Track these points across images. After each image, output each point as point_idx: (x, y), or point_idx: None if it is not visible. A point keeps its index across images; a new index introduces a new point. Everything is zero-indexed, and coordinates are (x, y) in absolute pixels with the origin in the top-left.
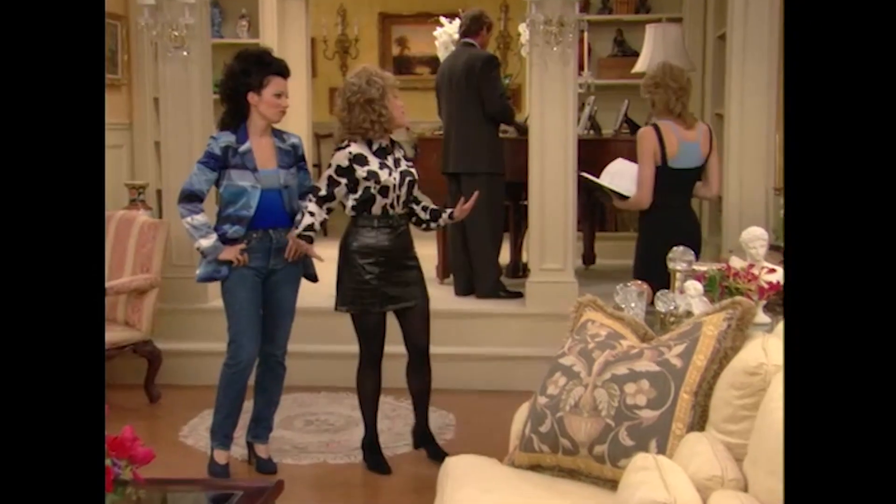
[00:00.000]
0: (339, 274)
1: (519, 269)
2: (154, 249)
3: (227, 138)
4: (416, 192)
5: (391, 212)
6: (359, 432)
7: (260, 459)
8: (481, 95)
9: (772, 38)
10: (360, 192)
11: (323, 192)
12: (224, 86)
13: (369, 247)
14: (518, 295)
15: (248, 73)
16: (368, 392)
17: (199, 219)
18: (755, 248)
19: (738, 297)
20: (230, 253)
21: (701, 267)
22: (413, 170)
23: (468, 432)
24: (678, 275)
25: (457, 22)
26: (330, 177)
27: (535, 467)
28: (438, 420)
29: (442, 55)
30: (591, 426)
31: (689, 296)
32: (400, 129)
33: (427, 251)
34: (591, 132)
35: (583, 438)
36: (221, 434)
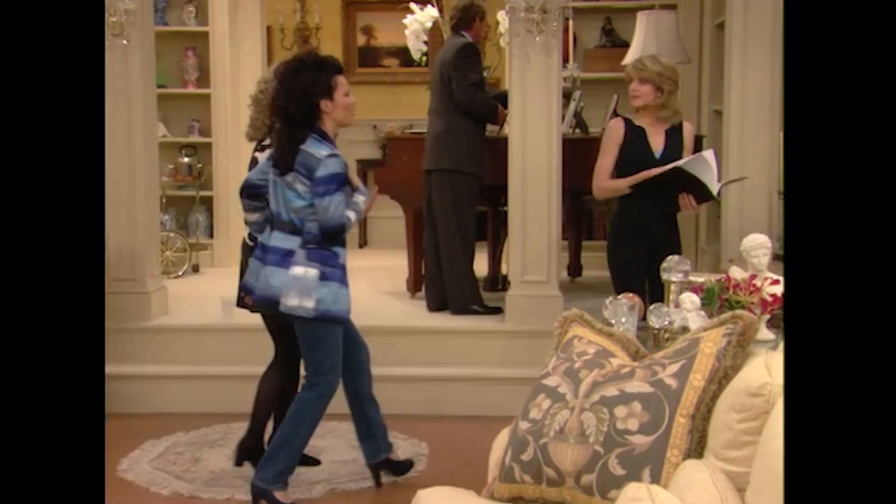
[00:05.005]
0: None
1: (498, 281)
2: None
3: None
4: None
5: None
6: (326, 461)
7: (401, 464)
8: (451, 85)
9: (775, 26)
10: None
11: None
12: (295, 103)
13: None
14: (497, 310)
15: (315, 80)
16: (277, 395)
17: (351, 214)
18: (757, 257)
19: (738, 311)
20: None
21: (698, 278)
22: None
23: (442, 462)
24: (673, 287)
25: (429, 9)
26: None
27: (517, 499)
28: (409, 449)
29: (412, 46)
30: (577, 454)
31: (685, 310)
32: (366, 128)
33: (397, 262)
34: (577, 130)
35: (569, 467)
36: (289, 472)
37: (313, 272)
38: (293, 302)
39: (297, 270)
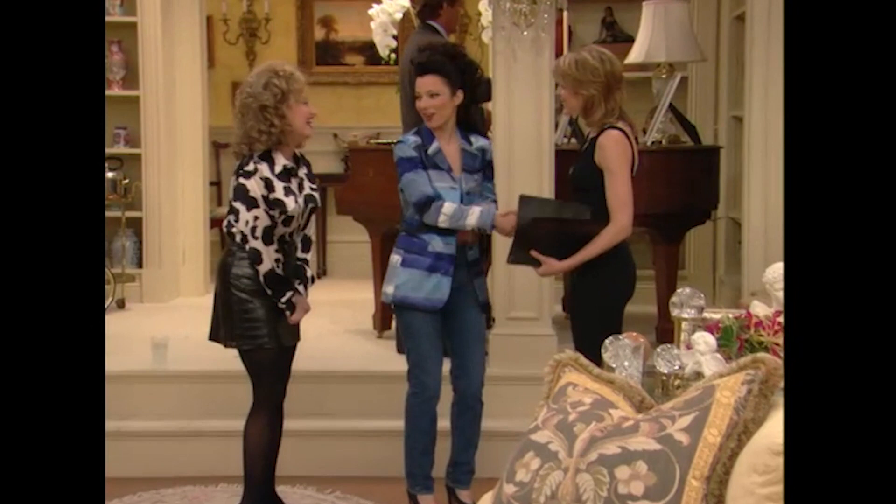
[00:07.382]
0: (223, 305)
1: None
2: None
3: (413, 139)
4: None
5: (287, 239)
6: None
7: None
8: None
9: None
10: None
11: (267, 224)
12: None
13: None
14: None
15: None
16: (266, 444)
17: (448, 207)
18: (783, 291)
19: (760, 354)
20: (508, 223)
21: (714, 315)
22: (317, 194)
23: None
24: (684, 325)
25: None
26: (265, 212)
27: None
28: None
29: (379, 41)
30: None
31: (699, 352)
32: (326, 137)
33: (362, 295)
34: (573, 140)
35: None
36: (421, 476)
37: (396, 258)
38: (385, 288)
39: (392, 258)
